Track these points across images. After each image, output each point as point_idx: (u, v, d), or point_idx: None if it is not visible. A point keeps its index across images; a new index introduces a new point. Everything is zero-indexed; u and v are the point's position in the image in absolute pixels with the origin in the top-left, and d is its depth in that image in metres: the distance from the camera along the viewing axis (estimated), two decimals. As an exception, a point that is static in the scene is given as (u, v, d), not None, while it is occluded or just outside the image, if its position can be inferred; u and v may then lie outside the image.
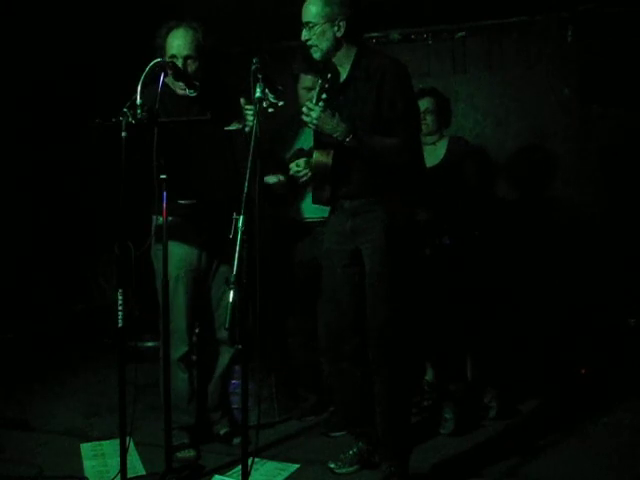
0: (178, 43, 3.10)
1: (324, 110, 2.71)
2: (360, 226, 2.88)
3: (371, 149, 2.76)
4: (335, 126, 2.72)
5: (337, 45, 2.80)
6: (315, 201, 3.01)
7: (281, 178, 3.54)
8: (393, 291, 2.81)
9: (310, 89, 3.60)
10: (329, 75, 2.83)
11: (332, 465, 3.02)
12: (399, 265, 2.82)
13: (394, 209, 2.82)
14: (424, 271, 3.37)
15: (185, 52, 3.09)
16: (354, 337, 2.93)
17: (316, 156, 2.87)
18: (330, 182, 2.89)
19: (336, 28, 2.76)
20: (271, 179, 3.56)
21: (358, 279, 2.90)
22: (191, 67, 3.12)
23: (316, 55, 2.83)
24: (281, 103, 2.85)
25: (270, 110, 2.85)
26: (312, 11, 2.76)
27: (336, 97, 2.86)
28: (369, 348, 2.86)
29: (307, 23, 2.78)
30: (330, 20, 2.75)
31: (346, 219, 2.92)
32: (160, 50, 3.10)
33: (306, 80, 3.61)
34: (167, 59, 3.08)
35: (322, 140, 2.87)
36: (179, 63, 3.09)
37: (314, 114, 2.71)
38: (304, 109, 2.74)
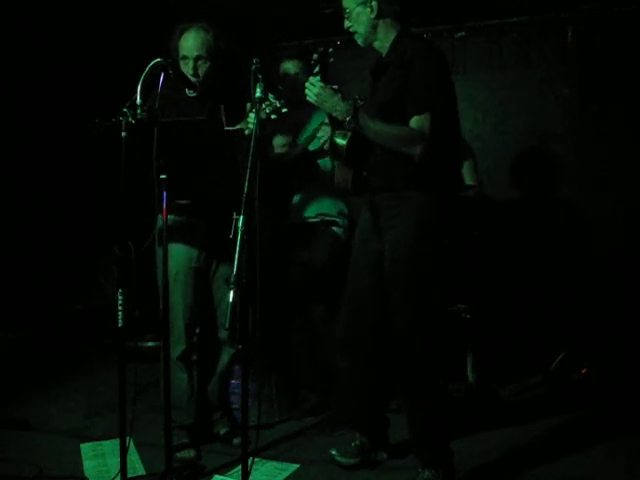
0: (188, 44, 3.13)
1: (324, 86, 2.69)
2: (383, 224, 2.80)
3: (374, 134, 2.69)
4: (334, 104, 2.69)
5: (373, 28, 2.78)
6: (337, 187, 2.95)
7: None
8: (418, 293, 2.73)
9: (287, 76, 3.60)
10: (330, 49, 2.81)
11: (333, 452, 3.00)
12: (422, 269, 2.73)
13: (416, 207, 2.71)
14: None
15: (195, 53, 3.12)
16: (372, 338, 2.89)
17: (335, 138, 2.81)
18: (351, 168, 2.83)
19: (369, 10, 2.75)
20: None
21: (381, 281, 2.81)
22: (202, 68, 3.13)
23: (359, 41, 2.83)
24: (285, 110, 2.86)
25: (273, 117, 2.86)
26: None
27: (376, 81, 2.84)
28: (395, 352, 2.81)
29: (344, 10, 2.80)
30: (362, 3, 2.75)
31: (370, 216, 2.86)
32: (174, 52, 3.13)
33: (285, 68, 3.61)
34: (180, 60, 3.12)
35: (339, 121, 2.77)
36: (190, 64, 3.12)
37: (314, 89, 2.69)
38: (306, 84, 2.72)
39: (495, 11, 4.69)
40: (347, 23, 2.81)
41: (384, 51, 2.82)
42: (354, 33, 2.82)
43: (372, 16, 2.75)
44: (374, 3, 2.74)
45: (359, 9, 2.76)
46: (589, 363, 4.07)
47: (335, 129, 2.83)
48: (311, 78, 2.73)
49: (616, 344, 4.17)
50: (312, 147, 3.52)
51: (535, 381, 4.06)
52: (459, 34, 4.85)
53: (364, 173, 2.85)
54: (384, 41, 2.80)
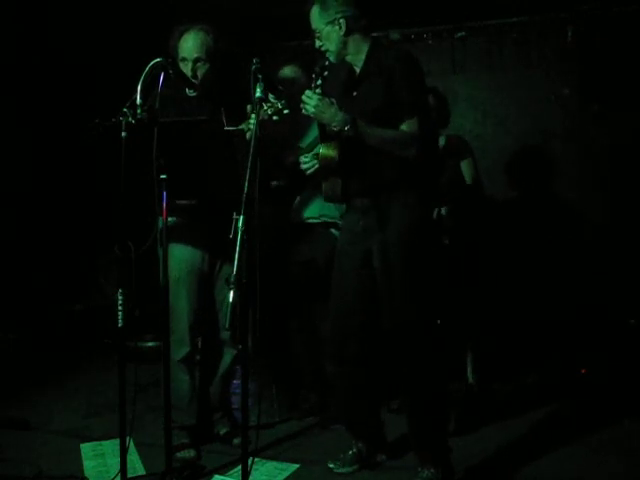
0: (188, 46, 3.13)
1: (322, 98, 2.71)
2: (372, 225, 2.82)
3: (373, 140, 2.72)
4: (333, 115, 2.71)
5: (344, 44, 2.83)
6: (327, 199, 2.97)
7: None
8: (416, 291, 2.75)
9: (286, 80, 3.60)
10: (326, 62, 2.84)
11: (331, 465, 3.01)
12: (420, 267, 2.76)
13: (408, 207, 2.77)
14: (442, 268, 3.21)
15: (194, 55, 3.12)
16: (360, 340, 2.90)
17: (322, 150, 2.84)
18: (340, 177, 2.86)
19: (338, 27, 2.80)
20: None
21: (369, 282, 2.84)
22: (201, 69, 3.14)
23: (331, 58, 2.87)
24: (286, 111, 2.87)
25: (275, 118, 2.87)
26: (314, 18, 2.85)
27: (350, 92, 2.87)
28: (395, 351, 2.81)
29: (314, 31, 2.87)
30: (330, 22, 2.81)
31: (358, 218, 2.87)
32: (173, 54, 3.13)
33: (282, 73, 3.61)
34: (179, 61, 3.12)
35: (328, 133, 2.82)
36: (189, 66, 3.12)
37: (312, 102, 2.71)
38: (303, 97, 2.74)
39: (495, 11, 4.70)
40: (318, 43, 2.87)
41: (358, 64, 2.87)
42: (326, 51, 2.86)
43: (341, 33, 2.81)
44: (342, 21, 2.79)
45: (328, 28, 2.82)
46: (589, 363, 4.08)
47: (323, 141, 2.85)
48: (307, 91, 2.75)
49: (616, 344, 4.17)
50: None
51: (535, 381, 4.07)
52: (459, 34, 4.85)
53: (354, 179, 2.86)
54: (356, 54, 2.86)
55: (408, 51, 2.90)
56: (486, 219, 4.23)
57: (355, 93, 2.87)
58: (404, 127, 2.72)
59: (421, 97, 2.81)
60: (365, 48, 2.85)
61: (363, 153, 2.77)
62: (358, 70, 2.88)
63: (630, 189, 4.50)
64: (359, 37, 2.84)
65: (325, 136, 2.85)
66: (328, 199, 2.98)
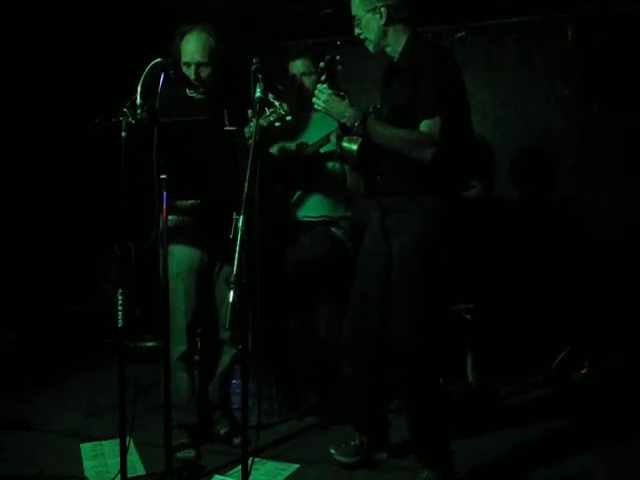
0: (190, 49, 3.14)
1: (332, 93, 2.71)
2: (390, 227, 2.80)
3: (383, 139, 2.69)
4: (342, 111, 2.70)
5: (384, 33, 2.79)
6: (349, 187, 2.98)
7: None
8: (422, 296, 2.72)
9: (298, 75, 3.59)
10: (337, 57, 2.83)
11: (332, 450, 3.01)
12: (429, 272, 2.72)
13: (426, 212, 2.71)
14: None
15: (197, 59, 3.13)
16: (378, 342, 2.89)
17: (344, 142, 2.85)
18: (361, 172, 2.86)
19: (378, 16, 2.76)
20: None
21: (389, 283, 2.81)
22: (204, 73, 3.15)
23: (370, 47, 2.85)
24: (289, 118, 2.87)
25: (277, 124, 2.87)
26: (354, 4, 2.82)
27: (388, 86, 2.85)
28: (396, 352, 2.80)
29: (354, 18, 2.83)
30: (371, 10, 2.77)
31: (378, 219, 2.86)
32: (175, 55, 3.14)
33: (294, 66, 3.61)
34: (182, 64, 3.13)
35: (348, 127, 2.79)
36: (192, 69, 3.13)
37: (323, 97, 2.71)
38: (315, 92, 2.74)
39: (495, 11, 4.69)
40: (357, 30, 2.84)
41: (395, 55, 2.83)
42: (365, 40, 2.83)
43: (382, 22, 2.77)
44: (383, 9, 2.75)
45: (368, 16, 2.78)
46: (589, 363, 4.08)
47: (344, 134, 2.85)
48: (319, 86, 2.75)
49: (616, 344, 4.17)
50: (323, 150, 3.52)
51: (535, 381, 4.07)
52: (459, 34, 4.84)
53: (377, 177, 2.85)
54: (395, 46, 2.82)
55: (444, 49, 2.87)
56: (486, 219, 4.23)
57: (390, 88, 2.84)
58: (423, 128, 2.65)
59: (445, 98, 2.68)
60: (403, 40, 2.80)
61: (382, 152, 2.74)
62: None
63: (630, 189, 4.50)
64: (400, 28, 2.79)
65: (345, 130, 2.84)
66: (351, 191, 2.99)
